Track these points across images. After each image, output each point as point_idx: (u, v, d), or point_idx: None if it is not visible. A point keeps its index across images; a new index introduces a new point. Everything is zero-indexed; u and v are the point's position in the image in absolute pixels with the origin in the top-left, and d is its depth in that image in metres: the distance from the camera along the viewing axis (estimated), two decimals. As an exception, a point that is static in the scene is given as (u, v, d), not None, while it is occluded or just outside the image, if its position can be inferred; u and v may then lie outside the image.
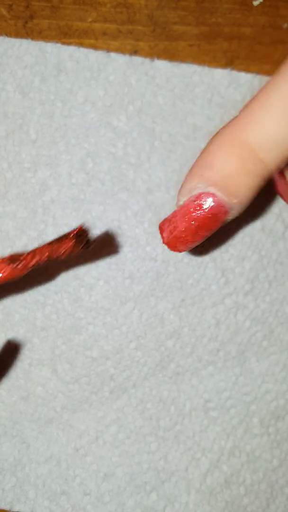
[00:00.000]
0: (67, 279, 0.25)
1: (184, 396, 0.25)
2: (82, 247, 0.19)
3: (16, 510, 0.25)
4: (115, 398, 0.25)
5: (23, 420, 0.25)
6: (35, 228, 0.24)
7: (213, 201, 0.17)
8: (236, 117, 0.17)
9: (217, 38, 0.24)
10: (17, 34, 0.24)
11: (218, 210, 0.17)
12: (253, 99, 0.16)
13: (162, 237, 0.19)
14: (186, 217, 0.18)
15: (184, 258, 0.24)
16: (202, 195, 0.17)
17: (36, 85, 0.24)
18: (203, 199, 0.17)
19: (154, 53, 0.24)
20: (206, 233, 0.18)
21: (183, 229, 0.18)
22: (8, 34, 0.24)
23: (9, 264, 0.18)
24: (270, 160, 0.16)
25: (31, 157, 0.24)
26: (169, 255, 0.24)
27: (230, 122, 0.17)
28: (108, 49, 0.24)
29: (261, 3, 0.24)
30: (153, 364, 0.25)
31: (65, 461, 0.25)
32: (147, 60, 0.24)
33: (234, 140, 0.16)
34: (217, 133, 0.17)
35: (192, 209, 0.18)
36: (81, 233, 0.19)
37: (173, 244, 0.19)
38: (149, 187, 0.24)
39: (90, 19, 0.24)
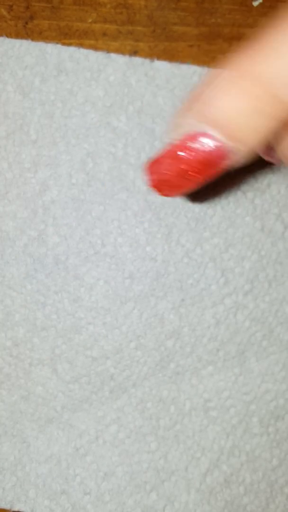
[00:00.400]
0: (67, 279, 0.25)
1: (184, 396, 0.25)
2: None
3: (17, 509, 0.25)
4: (115, 398, 0.25)
5: (23, 420, 0.25)
6: (35, 228, 0.25)
7: (212, 145, 0.14)
8: (247, 48, 0.14)
9: (217, 39, 0.24)
10: (18, 35, 0.25)
11: (216, 155, 0.14)
12: (269, 28, 0.14)
13: (149, 180, 0.16)
14: (176, 159, 0.15)
15: (184, 258, 0.25)
16: (198, 135, 0.14)
17: (36, 85, 0.24)
18: (199, 141, 0.14)
19: (154, 54, 0.24)
20: (199, 180, 0.15)
21: (172, 172, 0.15)
22: (9, 35, 0.25)
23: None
24: (284, 94, 0.13)
25: (32, 158, 0.24)
26: (169, 255, 0.25)
27: (239, 54, 0.14)
28: (108, 50, 0.24)
29: (260, 3, 0.24)
30: (153, 364, 0.25)
31: (65, 460, 0.25)
32: (147, 61, 0.24)
33: (245, 74, 0.13)
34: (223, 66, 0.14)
35: (183, 151, 0.15)
36: None
37: (160, 188, 0.16)
38: (149, 188, 0.24)
39: (90, 20, 0.25)
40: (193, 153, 0.15)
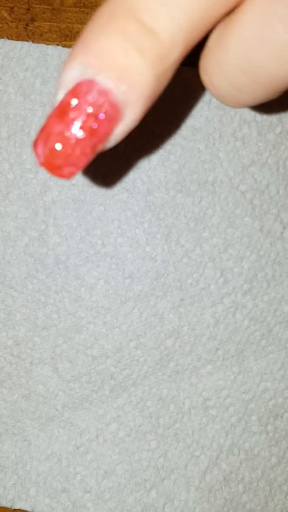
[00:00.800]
0: (67, 279, 0.25)
1: (184, 395, 0.25)
2: None
3: (17, 508, 0.25)
4: (115, 397, 0.25)
5: (24, 418, 0.25)
6: (36, 229, 0.25)
7: (96, 90, 0.12)
8: None
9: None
10: (18, 37, 0.25)
11: (109, 104, 0.13)
12: None
13: (37, 157, 0.13)
14: (65, 121, 0.13)
15: (184, 258, 0.25)
16: (80, 84, 0.12)
17: (37, 87, 0.24)
18: (81, 89, 0.12)
19: (153, 56, 0.25)
20: (94, 142, 0.13)
21: (63, 140, 0.13)
22: (9, 37, 0.25)
23: None
24: (163, 28, 0.12)
25: (33, 159, 0.25)
26: (169, 255, 0.25)
27: None
28: (109, 52, 0.25)
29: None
30: (153, 363, 0.25)
31: (65, 458, 0.25)
32: (147, 63, 0.24)
33: (113, 9, 0.12)
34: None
35: (68, 108, 0.13)
36: None
37: (52, 163, 0.13)
38: (148, 188, 0.25)
39: (90, 22, 0.25)
40: (83, 109, 0.13)
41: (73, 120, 0.13)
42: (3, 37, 0.25)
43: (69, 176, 0.13)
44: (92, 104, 0.12)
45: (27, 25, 0.25)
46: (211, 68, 0.14)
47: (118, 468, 0.25)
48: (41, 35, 0.25)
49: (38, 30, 0.25)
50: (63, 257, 0.25)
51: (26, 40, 0.25)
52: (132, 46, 0.12)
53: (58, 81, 0.13)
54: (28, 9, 0.25)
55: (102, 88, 0.12)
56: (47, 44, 0.24)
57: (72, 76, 0.13)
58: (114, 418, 0.25)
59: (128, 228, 0.25)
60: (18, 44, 0.24)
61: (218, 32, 0.13)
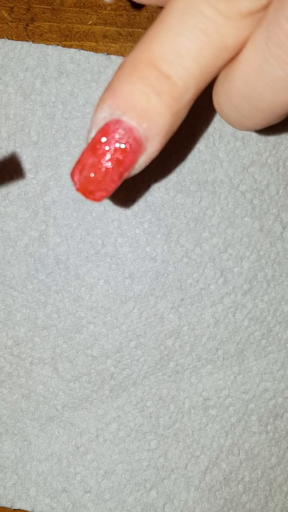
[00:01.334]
0: (67, 279, 0.25)
1: (184, 394, 0.25)
2: None
3: (17, 508, 0.25)
4: (115, 396, 0.25)
5: (24, 418, 0.25)
6: (36, 229, 0.25)
7: (122, 128, 0.15)
8: (143, 36, 0.15)
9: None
10: (18, 37, 0.25)
11: (133, 140, 0.15)
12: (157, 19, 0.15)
13: (74, 183, 0.16)
14: (97, 154, 0.15)
15: (184, 258, 0.25)
16: (113, 124, 0.15)
17: (37, 87, 0.24)
18: (114, 129, 0.15)
19: (153, 56, 0.25)
20: (121, 171, 0.16)
21: (95, 170, 0.16)
22: (9, 37, 0.25)
23: None
24: (177, 74, 0.15)
25: (32, 159, 0.25)
26: (169, 255, 0.25)
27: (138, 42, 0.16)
28: (109, 52, 0.25)
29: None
30: (153, 363, 0.25)
31: (66, 458, 0.25)
32: (147, 63, 0.24)
33: (136, 60, 0.15)
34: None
35: (99, 143, 0.15)
36: None
37: (86, 188, 0.16)
38: (149, 188, 0.25)
39: (90, 22, 0.25)
40: (112, 144, 0.15)
41: (104, 153, 0.15)
42: (3, 37, 0.25)
43: (100, 199, 0.16)
44: (119, 140, 0.15)
45: (27, 25, 0.25)
46: (220, 97, 0.16)
47: (118, 468, 0.25)
48: (41, 35, 0.25)
49: (38, 30, 0.25)
50: (63, 257, 0.25)
51: (26, 40, 0.25)
52: (151, 90, 0.15)
53: (91, 120, 0.16)
54: (28, 9, 0.25)
55: (127, 126, 0.15)
56: (47, 44, 0.24)
57: (102, 116, 0.15)
58: (114, 418, 0.25)
59: (128, 228, 0.25)
60: (18, 44, 0.24)
61: (227, 67, 0.16)
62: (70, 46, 0.25)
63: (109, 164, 0.16)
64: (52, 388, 0.25)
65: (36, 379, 0.25)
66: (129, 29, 0.25)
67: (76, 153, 0.25)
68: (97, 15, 0.25)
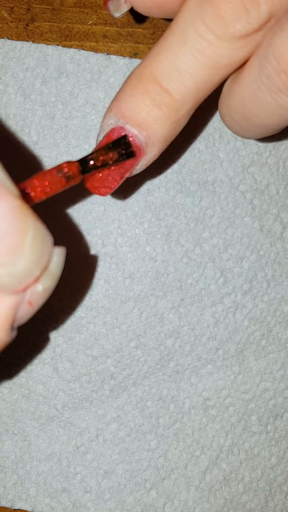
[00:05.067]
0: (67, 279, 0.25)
1: (184, 394, 0.25)
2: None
3: (17, 508, 0.25)
4: (115, 396, 0.25)
5: (24, 418, 0.25)
6: (36, 229, 0.25)
7: (129, 137, 0.17)
8: (149, 52, 0.17)
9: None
10: (19, 37, 0.25)
11: (135, 146, 0.17)
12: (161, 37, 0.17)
13: (84, 180, 0.18)
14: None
15: (184, 258, 0.25)
16: (113, 130, 0.17)
17: (37, 87, 0.24)
18: (114, 134, 0.17)
19: (153, 56, 0.25)
20: (122, 172, 0.18)
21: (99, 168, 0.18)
22: (10, 37, 0.25)
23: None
24: (175, 89, 0.16)
25: (32, 159, 0.25)
26: (169, 255, 0.25)
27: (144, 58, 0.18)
28: (109, 52, 0.25)
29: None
30: (153, 363, 0.25)
31: (66, 458, 0.25)
32: (147, 63, 0.24)
33: (140, 74, 0.17)
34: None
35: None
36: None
37: (92, 184, 0.18)
38: (148, 188, 0.25)
39: (90, 22, 0.25)
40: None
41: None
42: (3, 37, 0.25)
43: (104, 194, 0.19)
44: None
45: (27, 25, 0.25)
46: (222, 110, 0.18)
47: (118, 468, 0.25)
48: (41, 35, 0.25)
49: (38, 30, 0.25)
50: (63, 257, 0.25)
51: (26, 40, 0.25)
52: (152, 103, 0.17)
53: (100, 125, 0.18)
54: (28, 9, 0.25)
55: (129, 134, 0.17)
56: (47, 44, 0.24)
57: (109, 122, 0.18)
58: (114, 418, 0.25)
59: (128, 228, 0.25)
60: (18, 44, 0.24)
61: (229, 83, 0.18)
62: (70, 46, 0.25)
63: (112, 166, 0.18)
64: (52, 388, 0.25)
65: (36, 379, 0.25)
66: (129, 29, 0.25)
67: (76, 153, 0.25)
68: (97, 15, 0.25)
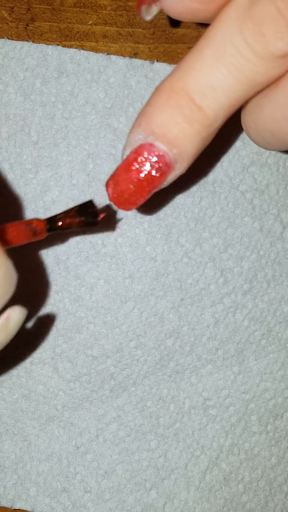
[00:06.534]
0: (67, 279, 0.25)
1: (184, 394, 0.25)
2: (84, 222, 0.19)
3: (17, 508, 0.25)
4: (115, 396, 0.25)
5: (24, 418, 0.25)
6: (36, 229, 0.25)
7: (153, 152, 0.17)
8: (174, 68, 0.17)
9: (216, 41, 0.25)
10: (19, 37, 0.25)
11: (163, 163, 0.17)
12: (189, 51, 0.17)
13: (108, 194, 0.18)
14: (130, 171, 0.17)
15: (184, 258, 0.25)
16: (146, 147, 0.17)
17: (37, 87, 0.24)
18: (147, 152, 0.17)
19: (154, 56, 0.25)
20: (150, 188, 0.18)
21: (127, 185, 0.17)
22: (10, 37, 0.25)
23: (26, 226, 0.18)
24: (208, 106, 0.16)
25: (32, 159, 0.25)
26: (169, 255, 0.25)
27: (173, 71, 0.17)
28: (109, 52, 0.25)
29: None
30: (153, 363, 0.25)
31: (66, 458, 0.25)
32: (147, 63, 0.24)
33: (171, 89, 0.16)
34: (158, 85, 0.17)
35: (135, 163, 0.17)
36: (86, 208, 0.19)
37: (117, 201, 0.18)
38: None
39: (90, 22, 0.25)
40: (144, 165, 0.17)
41: (137, 173, 0.17)
42: (3, 37, 0.25)
43: (129, 209, 0.18)
44: (151, 163, 0.17)
45: (27, 25, 0.25)
46: (248, 123, 0.18)
47: (118, 468, 0.25)
48: (41, 35, 0.25)
49: (38, 30, 0.25)
50: (63, 257, 0.25)
51: (26, 40, 0.25)
52: (184, 120, 0.16)
53: (126, 139, 0.17)
54: (28, 9, 0.25)
55: (159, 151, 0.17)
56: (47, 44, 0.24)
57: (137, 137, 0.17)
58: (114, 418, 0.25)
59: (128, 228, 0.25)
60: (18, 44, 0.24)
61: (257, 99, 0.17)
62: (70, 46, 0.25)
63: (140, 183, 0.17)
64: (52, 388, 0.25)
65: (36, 379, 0.25)
66: (129, 29, 0.25)
67: (76, 153, 0.25)
68: (97, 15, 0.25)
